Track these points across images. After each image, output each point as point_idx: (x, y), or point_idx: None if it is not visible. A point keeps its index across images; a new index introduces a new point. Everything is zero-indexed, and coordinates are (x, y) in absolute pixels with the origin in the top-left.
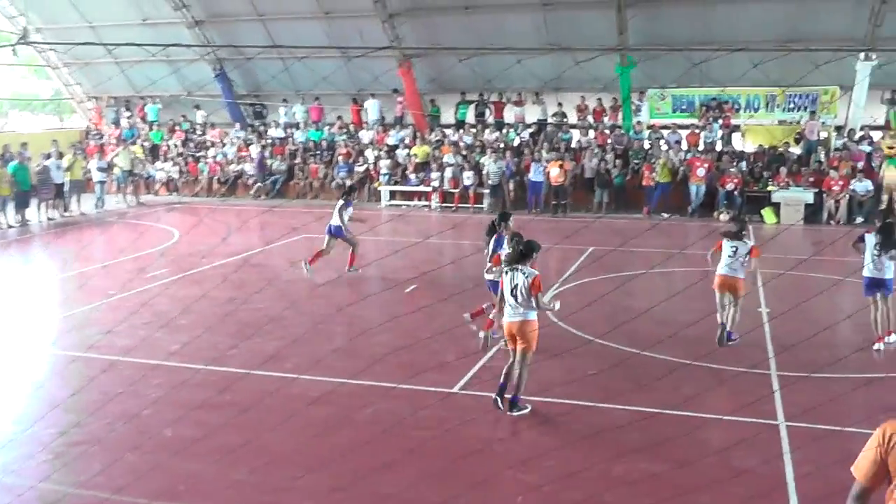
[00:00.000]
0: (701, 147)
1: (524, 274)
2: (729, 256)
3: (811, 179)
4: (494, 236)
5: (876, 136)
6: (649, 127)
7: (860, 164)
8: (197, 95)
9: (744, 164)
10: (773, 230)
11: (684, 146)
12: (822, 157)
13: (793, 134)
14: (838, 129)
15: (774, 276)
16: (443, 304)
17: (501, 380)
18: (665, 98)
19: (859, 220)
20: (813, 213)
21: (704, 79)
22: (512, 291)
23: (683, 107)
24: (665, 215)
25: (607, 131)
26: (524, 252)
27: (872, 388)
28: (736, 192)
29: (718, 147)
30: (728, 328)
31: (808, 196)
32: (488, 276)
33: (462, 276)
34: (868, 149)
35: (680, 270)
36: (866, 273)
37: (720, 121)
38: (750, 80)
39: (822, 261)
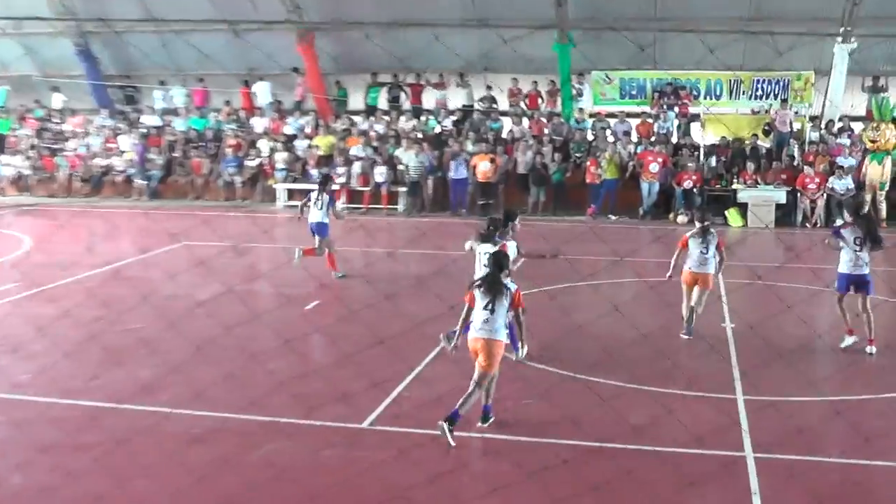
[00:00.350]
0: (654, 139)
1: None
2: (701, 253)
3: (783, 177)
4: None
5: (856, 127)
6: (593, 115)
7: (839, 160)
8: (54, 76)
9: (704, 158)
10: (740, 234)
11: (634, 137)
12: (796, 151)
13: (761, 125)
14: (813, 119)
15: (740, 287)
16: (349, 324)
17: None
18: (611, 82)
19: (839, 221)
20: (785, 215)
21: (658, 60)
22: (486, 305)
23: (633, 92)
24: (612, 217)
25: (544, 120)
26: (498, 264)
27: (849, 412)
28: (695, 191)
29: (674, 139)
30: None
31: (780, 195)
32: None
33: (373, 290)
34: (847, 142)
35: (627, 282)
36: (844, 270)
37: (676, 109)
38: (711, 63)
39: (796, 269)
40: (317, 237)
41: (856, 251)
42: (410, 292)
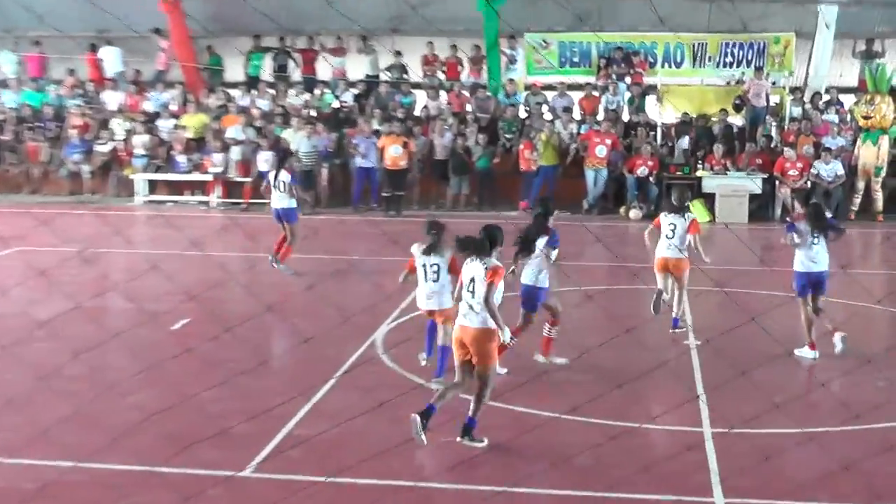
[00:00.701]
0: (601, 116)
1: (483, 264)
2: (667, 237)
3: (758, 161)
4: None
5: (846, 101)
6: (527, 87)
7: (826, 140)
8: None
9: (662, 139)
10: (706, 231)
11: (577, 115)
12: (774, 130)
13: (731, 98)
14: (795, 91)
15: (707, 296)
16: (227, 346)
17: (433, 400)
18: (549, 47)
19: (826, 214)
20: (761, 208)
21: (605, 20)
22: (469, 285)
23: (575, 59)
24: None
25: (466, 93)
26: (488, 240)
27: (824, 442)
28: (651, 180)
29: (626, 116)
30: (674, 314)
31: (754, 184)
32: (527, 282)
33: (256, 303)
34: (836, 118)
35: (566, 291)
36: (801, 268)
37: (627, 79)
38: (670, 24)
39: (774, 272)
40: (285, 224)
41: (813, 245)
42: (301, 305)
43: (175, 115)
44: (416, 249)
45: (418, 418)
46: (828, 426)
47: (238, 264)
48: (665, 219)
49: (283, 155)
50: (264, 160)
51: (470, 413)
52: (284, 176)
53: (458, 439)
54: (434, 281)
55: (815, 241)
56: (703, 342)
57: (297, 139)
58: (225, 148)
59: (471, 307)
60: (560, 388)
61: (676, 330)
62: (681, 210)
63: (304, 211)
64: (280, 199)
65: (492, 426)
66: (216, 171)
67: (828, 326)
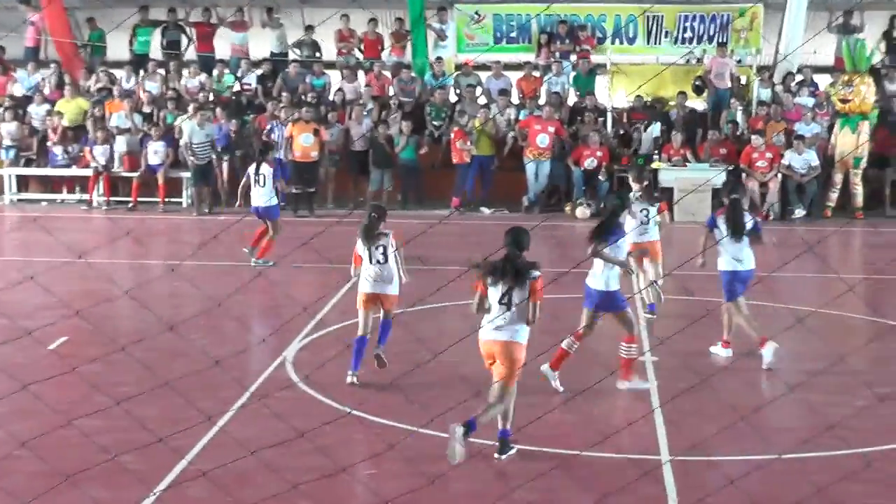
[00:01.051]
0: (543, 100)
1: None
2: (641, 223)
3: (722, 151)
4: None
5: (822, 81)
6: (458, 67)
7: (798, 127)
8: None
9: (613, 126)
10: (664, 230)
11: (515, 98)
12: (739, 115)
13: (691, 79)
14: (763, 70)
15: (665, 306)
16: (113, 367)
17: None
18: (482, 20)
19: (799, 211)
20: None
21: None
22: (502, 297)
23: (512, 35)
24: (486, 211)
25: (388, 74)
26: (518, 243)
27: (794, 466)
28: (600, 174)
29: (571, 100)
30: (650, 300)
31: (718, 177)
32: (595, 286)
33: (147, 318)
34: (810, 102)
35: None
36: (726, 267)
37: (573, 57)
38: None
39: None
40: (267, 221)
41: (738, 242)
42: (200, 320)
43: (49, 100)
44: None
45: (460, 430)
46: (799, 450)
47: (126, 273)
48: (636, 206)
49: (264, 147)
50: (154, 151)
51: (476, 416)
52: (266, 169)
53: (496, 456)
54: (380, 263)
55: (739, 239)
56: (660, 358)
57: (192, 128)
58: (108, 138)
59: (500, 320)
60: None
61: (652, 315)
62: (647, 191)
63: (198, 210)
64: (260, 196)
65: (424, 456)
66: (98, 165)
67: (748, 331)
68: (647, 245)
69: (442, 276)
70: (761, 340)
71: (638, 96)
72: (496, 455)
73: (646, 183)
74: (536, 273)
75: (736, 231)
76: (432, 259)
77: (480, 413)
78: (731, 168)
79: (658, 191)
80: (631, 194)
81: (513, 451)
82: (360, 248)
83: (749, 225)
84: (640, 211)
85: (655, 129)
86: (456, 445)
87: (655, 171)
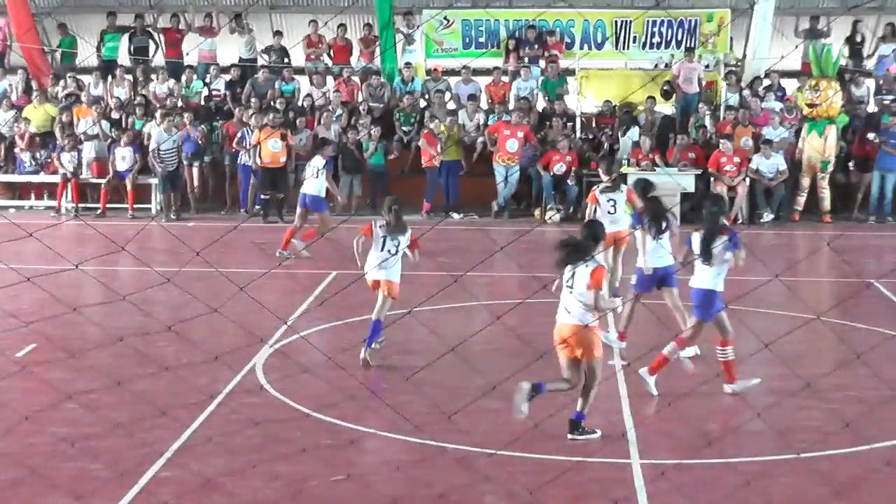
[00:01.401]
0: (512, 104)
1: (587, 265)
2: (609, 213)
3: (691, 155)
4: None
5: (789, 86)
6: (428, 72)
7: (766, 131)
8: None
9: (582, 131)
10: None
11: (484, 104)
12: (708, 119)
13: (659, 84)
14: (731, 75)
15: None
16: (82, 374)
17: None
18: (451, 25)
19: (767, 215)
20: (695, 208)
21: None
22: (568, 281)
23: (481, 40)
24: (455, 216)
25: (357, 80)
26: (592, 240)
27: (764, 474)
28: (570, 179)
29: (540, 105)
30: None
31: (687, 181)
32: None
33: (117, 325)
34: (778, 106)
35: (469, 305)
36: (642, 264)
37: (542, 63)
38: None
39: None
40: (314, 213)
41: (655, 240)
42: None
43: (16, 106)
44: (377, 224)
45: (528, 386)
46: (766, 456)
47: (93, 280)
48: (602, 196)
49: (320, 141)
50: (122, 158)
51: (578, 408)
52: (317, 161)
53: (570, 436)
54: (391, 254)
55: (659, 237)
56: (629, 363)
57: (159, 133)
58: (76, 144)
59: (568, 305)
60: (469, 417)
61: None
62: (616, 185)
63: (167, 216)
64: (312, 186)
65: (392, 461)
66: (66, 171)
67: (683, 334)
68: (615, 234)
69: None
70: (620, 335)
71: (607, 101)
72: (568, 435)
73: (615, 175)
74: (598, 262)
75: (658, 228)
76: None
77: (550, 382)
78: (700, 173)
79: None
80: (601, 185)
81: (588, 435)
82: (377, 231)
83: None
84: (608, 201)
85: (633, 133)
86: (521, 403)
87: (624, 175)
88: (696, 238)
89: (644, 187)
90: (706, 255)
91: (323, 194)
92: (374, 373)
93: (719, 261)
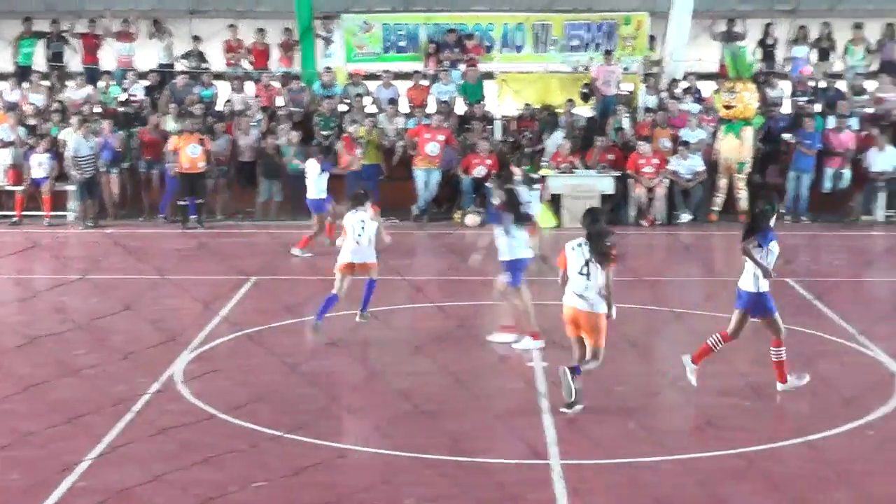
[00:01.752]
0: (432, 108)
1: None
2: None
3: (611, 157)
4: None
5: (707, 88)
6: (352, 77)
7: (684, 133)
8: None
9: (502, 134)
10: (552, 237)
11: (405, 107)
12: (626, 121)
13: (578, 86)
14: (649, 78)
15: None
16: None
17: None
18: (371, 29)
19: (685, 216)
20: (615, 209)
21: None
22: (582, 268)
23: (401, 44)
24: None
25: (277, 84)
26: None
27: (686, 469)
28: (489, 182)
29: (460, 108)
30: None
31: (606, 183)
32: (745, 287)
33: (30, 331)
34: (696, 108)
35: (391, 310)
36: (508, 257)
37: (461, 66)
38: (509, 2)
39: (628, 283)
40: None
41: (515, 232)
42: (83, 334)
43: None
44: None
45: (567, 371)
46: (691, 451)
47: (9, 289)
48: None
49: (326, 150)
50: (38, 164)
51: (579, 364)
52: (313, 167)
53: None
54: (359, 236)
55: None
56: (548, 364)
57: (76, 140)
58: None
59: (583, 291)
60: (387, 420)
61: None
62: (531, 180)
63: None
64: (311, 189)
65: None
66: None
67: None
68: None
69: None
70: (533, 335)
71: (527, 104)
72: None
73: (525, 170)
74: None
75: (518, 218)
76: (313, 270)
77: (580, 362)
78: (619, 174)
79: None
80: (514, 178)
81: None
82: (346, 218)
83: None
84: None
85: (557, 135)
86: (569, 384)
87: (543, 178)
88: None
89: (501, 179)
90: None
91: (321, 196)
92: (292, 377)
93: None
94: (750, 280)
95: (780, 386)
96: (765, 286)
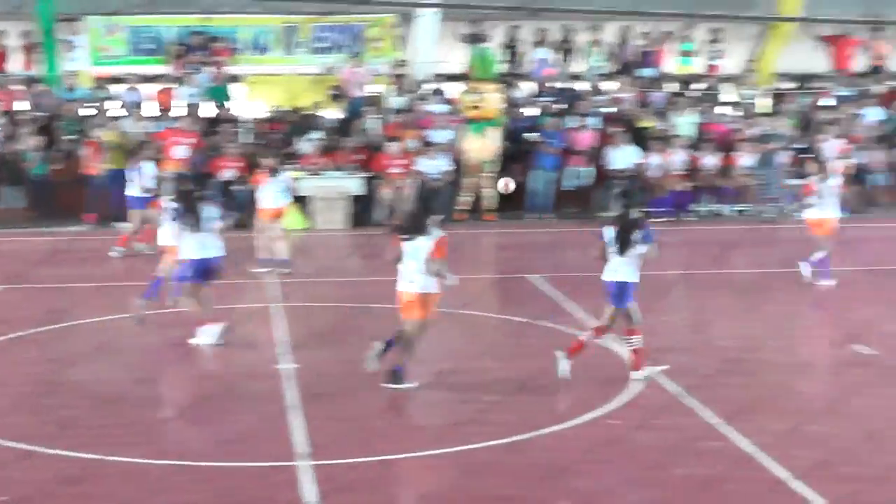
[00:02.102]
0: (179, 111)
1: (428, 238)
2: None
3: (360, 158)
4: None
5: (453, 89)
6: (99, 80)
7: (431, 133)
8: None
9: (255, 137)
10: (303, 240)
11: (154, 110)
12: (375, 122)
13: (326, 88)
14: (397, 79)
15: (302, 312)
16: None
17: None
18: (117, 32)
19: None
20: (364, 211)
21: (183, 1)
22: (413, 254)
23: (150, 46)
24: (117, 226)
25: (18, 88)
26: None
27: (425, 466)
28: (238, 184)
29: (210, 111)
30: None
31: (354, 184)
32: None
33: None
34: (445, 109)
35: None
36: (192, 256)
37: (210, 68)
38: (261, 5)
39: (375, 283)
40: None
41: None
42: None
43: None
44: None
45: (381, 345)
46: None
47: None
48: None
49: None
50: None
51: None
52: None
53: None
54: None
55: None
56: (299, 366)
57: None
58: None
59: (414, 275)
60: (145, 428)
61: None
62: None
63: None
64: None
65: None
66: None
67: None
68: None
69: (62, 295)
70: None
71: (276, 106)
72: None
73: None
74: (439, 232)
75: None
76: (57, 276)
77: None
78: (370, 176)
79: (294, 199)
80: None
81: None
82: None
83: None
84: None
85: (305, 137)
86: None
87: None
88: (611, 231)
89: (179, 180)
90: (622, 247)
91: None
92: (36, 388)
93: (634, 253)
94: (623, 271)
95: (633, 374)
96: (635, 277)
